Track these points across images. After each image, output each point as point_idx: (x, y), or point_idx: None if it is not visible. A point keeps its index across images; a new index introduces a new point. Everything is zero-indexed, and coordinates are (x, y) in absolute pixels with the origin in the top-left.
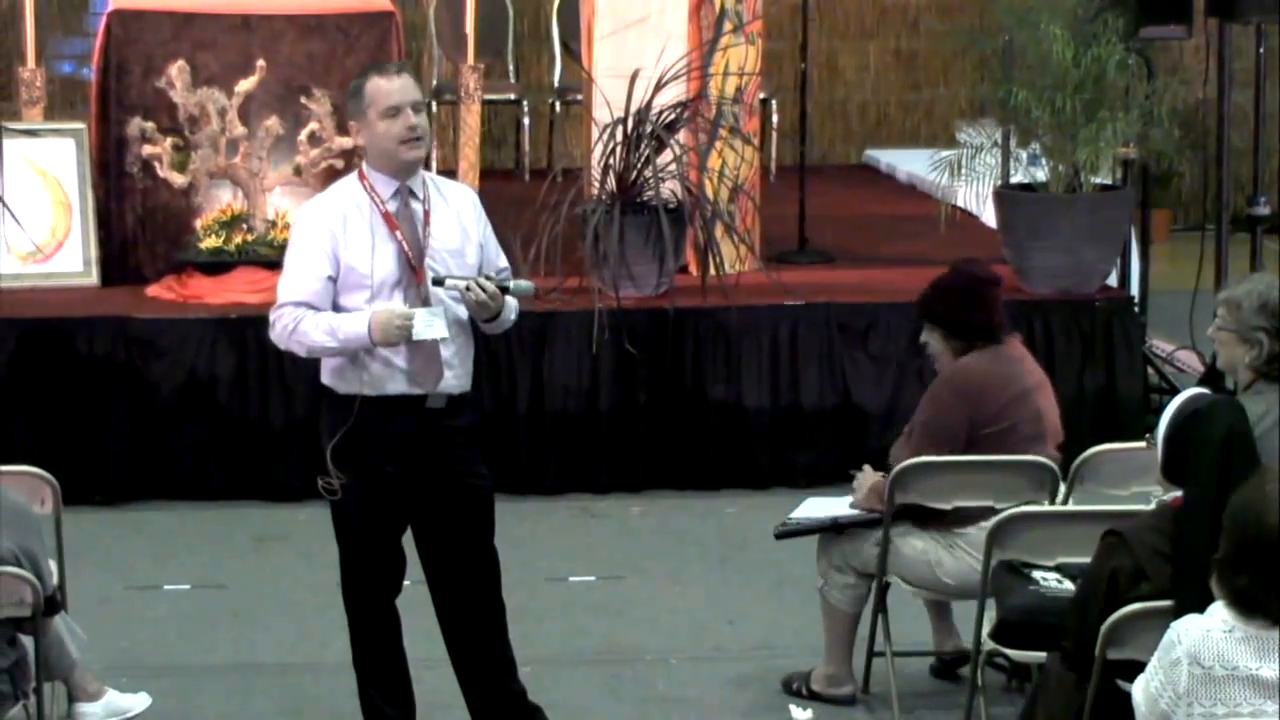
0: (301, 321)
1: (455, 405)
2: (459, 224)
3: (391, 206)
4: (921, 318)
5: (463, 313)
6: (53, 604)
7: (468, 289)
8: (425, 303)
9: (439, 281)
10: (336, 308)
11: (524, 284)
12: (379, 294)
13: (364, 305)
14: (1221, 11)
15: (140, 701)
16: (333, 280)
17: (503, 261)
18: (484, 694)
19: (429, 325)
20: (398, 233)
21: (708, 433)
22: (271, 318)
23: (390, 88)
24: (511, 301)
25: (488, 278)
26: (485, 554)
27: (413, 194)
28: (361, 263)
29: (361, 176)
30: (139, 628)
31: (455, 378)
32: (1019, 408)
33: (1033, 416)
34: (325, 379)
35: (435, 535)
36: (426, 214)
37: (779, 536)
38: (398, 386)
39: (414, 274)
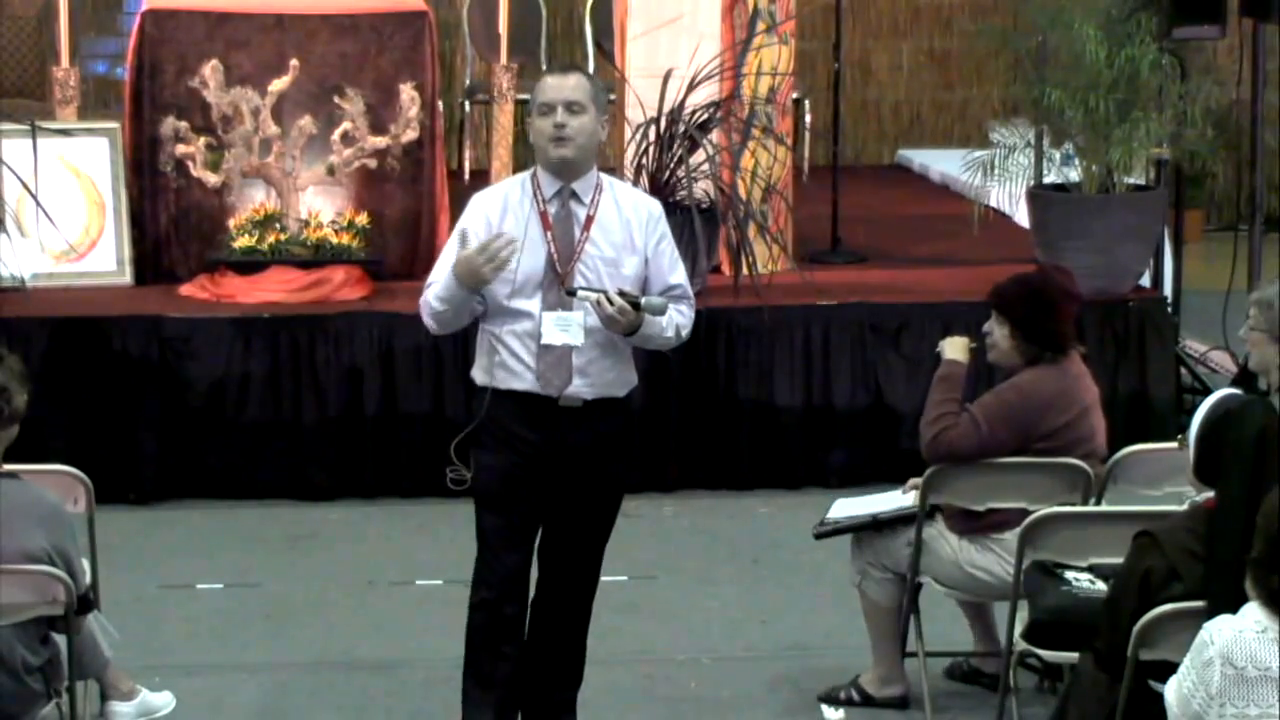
0: (430, 293)
1: (595, 409)
2: (625, 234)
3: (551, 207)
4: (997, 310)
5: None
6: (85, 603)
7: (598, 303)
8: (565, 307)
9: (571, 292)
10: (483, 294)
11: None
12: (521, 291)
13: (504, 299)
14: (1256, 11)
15: (168, 701)
16: None
17: (675, 279)
18: (533, 693)
19: (565, 329)
20: (549, 233)
21: (740, 432)
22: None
23: (548, 84)
24: (668, 320)
25: (621, 293)
26: (585, 560)
27: (576, 196)
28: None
29: (534, 173)
30: (172, 627)
31: (588, 385)
32: (1076, 427)
33: (1086, 436)
34: (473, 372)
35: (554, 532)
36: (589, 219)
37: (819, 537)
38: (525, 385)
39: (557, 276)
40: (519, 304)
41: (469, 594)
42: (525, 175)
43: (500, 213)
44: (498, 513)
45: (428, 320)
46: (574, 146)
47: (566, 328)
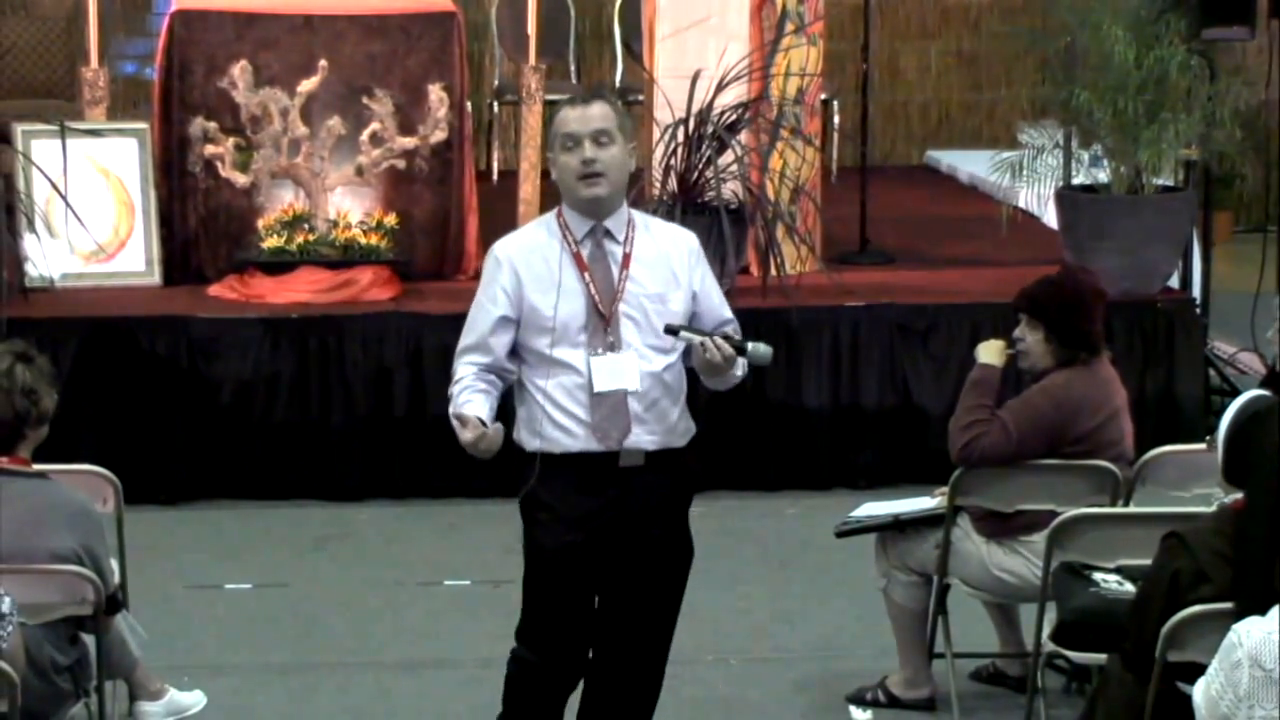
0: (458, 377)
1: (658, 465)
2: (667, 268)
3: (585, 248)
4: (1029, 314)
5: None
6: (114, 603)
7: (703, 345)
8: (613, 350)
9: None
10: (518, 348)
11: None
12: (563, 338)
13: (546, 349)
14: None
15: (198, 700)
16: (510, 320)
17: (728, 313)
18: None
19: (616, 374)
20: (587, 275)
21: (768, 433)
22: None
23: (569, 116)
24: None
25: (726, 338)
26: (652, 634)
27: (609, 234)
28: (545, 304)
29: (559, 213)
30: (200, 627)
31: (649, 433)
32: (1105, 431)
33: (1115, 439)
34: (516, 435)
35: (612, 598)
36: (626, 256)
37: (840, 535)
38: (579, 444)
39: (601, 319)
40: (562, 354)
41: (514, 635)
42: (549, 217)
43: (527, 261)
44: (551, 592)
45: None
46: (606, 183)
47: (621, 372)
